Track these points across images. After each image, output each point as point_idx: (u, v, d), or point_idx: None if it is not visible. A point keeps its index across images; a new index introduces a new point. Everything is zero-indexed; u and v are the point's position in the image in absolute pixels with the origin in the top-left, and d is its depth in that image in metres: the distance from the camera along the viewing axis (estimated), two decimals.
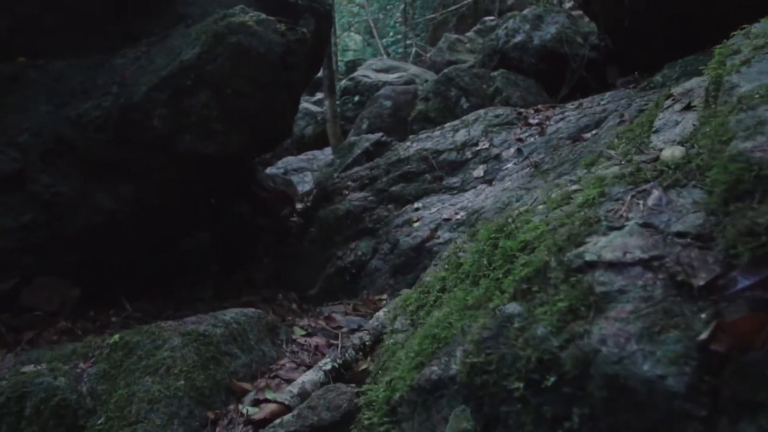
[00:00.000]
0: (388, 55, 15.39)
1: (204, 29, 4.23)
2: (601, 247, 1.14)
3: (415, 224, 4.02)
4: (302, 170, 8.07)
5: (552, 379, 0.99)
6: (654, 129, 2.16)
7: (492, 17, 12.14)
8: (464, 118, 5.07)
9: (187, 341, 2.48)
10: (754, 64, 1.54)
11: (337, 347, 2.73)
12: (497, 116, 4.81)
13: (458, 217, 3.80)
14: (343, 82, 9.84)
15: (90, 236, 4.03)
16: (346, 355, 2.62)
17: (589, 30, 7.15)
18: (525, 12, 7.55)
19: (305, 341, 2.90)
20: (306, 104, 9.88)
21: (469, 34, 11.54)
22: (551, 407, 1.00)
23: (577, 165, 3.59)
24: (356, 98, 9.44)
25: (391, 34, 16.95)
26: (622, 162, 1.54)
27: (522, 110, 4.94)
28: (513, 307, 1.23)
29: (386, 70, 10.18)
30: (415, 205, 4.31)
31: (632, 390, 0.90)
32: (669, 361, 0.89)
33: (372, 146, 6.39)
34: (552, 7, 8.70)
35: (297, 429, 1.99)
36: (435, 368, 1.31)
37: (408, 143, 5.09)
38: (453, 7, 15.38)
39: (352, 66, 15.27)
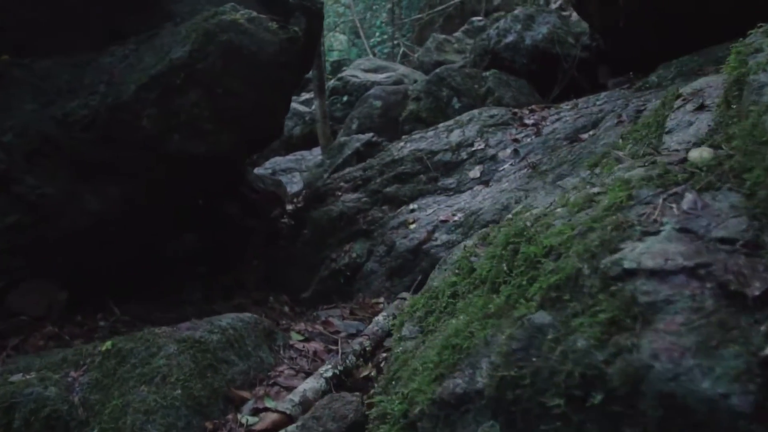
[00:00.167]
0: (374, 55, 15.32)
1: (194, 27, 4.14)
2: (639, 253, 1.08)
3: (412, 226, 3.96)
4: (291, 171, 7.98)
5: (599, 396, 0.93)
6: (666, 129, 2.12)
7: (479, 18, 12.11)
8: (458, 118, 5.01)
9: (183, 348, 2.39)
10: None
11: (337, 353, 2.66)
12: (492, 116, 4.76)
13: (456, 218, 3.74)
14: (332, 82, 9.75)
15: (77, 238, 3.93)
16: (347, 361, 2.55)
17: (580, 30, 7.13)
18: (516, 12, 7.52)
19: (303, 347, 2.82)
20: (294, 104, 9.77)
21: (457, 34, 11.50)
22: (596, 426, 0.94)
23: (576, 166, 3.55)
24: (345, 98, 9.36)
25: (377, 34, 16.88)
26: (647, 163, 1.48)
27: (517, 110, 4.89)
28: (542, 317, 1.17)
29: (375, 70, 10.11)
30: (411, 206, 4.24)
31: (691, 409, 0.84)
32: (731, 378, 0.83)
33: (363, 146, 6.31)
34: (541, 8, 8.67)
35: None
36: (459, 381, 1.24)
37: (401, 144, 5.03)
38: (440, 8, 15.35)
39: (338, 66, 15.19)
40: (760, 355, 0.84)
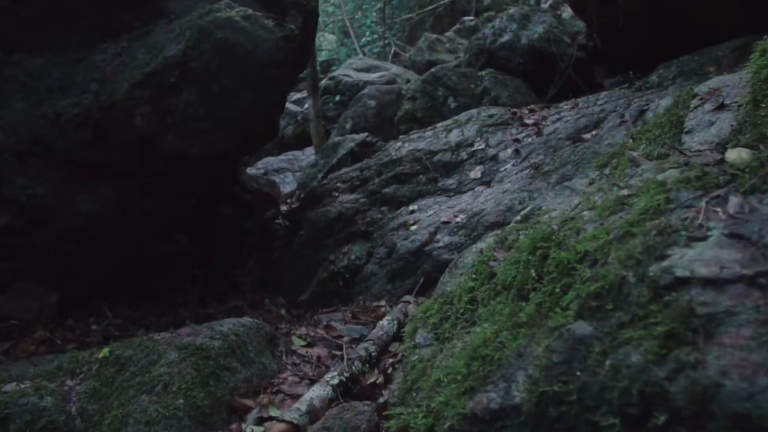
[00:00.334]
0: (364, 54, 15.24)
1: (188, 24, 4.06)
2: (690, 260, 1.02)
3: (412, 227, 3.88)
4: (283, 171, 7.88)
5: (662, 417, 0.86)
6: (686, 129, 2.06)
7: (471, 17, 12.08)
8: (456, 117, 4.94)
9: (185, 355, 2.31)
10: None
11: (342, 359, 2.59)
12: (491, 116, 4.70)
13: (458, 220, 3.67)
14: (324, 82, 9.65)
15: (69, 239, 3.84)
16: (353, 367, 2.48)
17: (576, 30, 7.09)
18: (512, 11, 7.47)
19: (306, 352, 2.75)
20: (285, 103, 9.68)
21: (449, 33, 11.45)
22: None
23: (580, 166, 3.50)
24: (337, 98, 9.27)
25: (367, 33, 16.80)
26: (682, 165, 1.42)
27: (516, 110, 4.83)
28: (583, 327, 1.11)
29: (367, 70, 10.03)
30: (410, 207, 4.16)
31: None
32: None
33: (357, 146, 6.23)
34: (534, 8, 8.64)
35: None
36: (493, 395, 1.17)
37: (399, 143, 4.95)
38: (430, 7, 15.31)
39: (327, 66, 15.11)
40: None
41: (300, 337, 2.95)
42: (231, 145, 4.39)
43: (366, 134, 6.43)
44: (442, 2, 15.06)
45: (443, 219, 3.75)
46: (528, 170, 3.83)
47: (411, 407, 1.50)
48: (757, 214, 1.11)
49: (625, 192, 1.49)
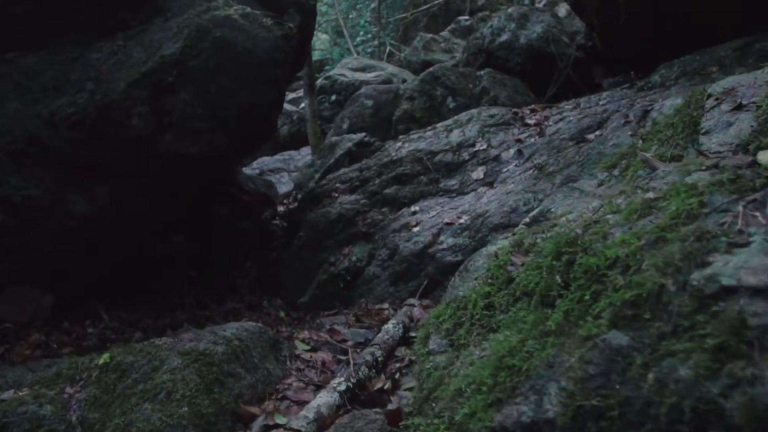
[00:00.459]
0: (358, 54, 15.18)
1: (186, 22, 4.00)
2: (735, 268, 0.97)
3: (415, 229, 3.83)
4: (279, 171, 7.81)
5: None
6: (702, 130, 2.02)
7: (466, 17, 12.04)
8: (457, 117, 4.89)
9: (188, 362, 2.25)
10: None
11: (348, 364, 2.53)
12: (492, 116, 4.65)
13: (461, 221, 3.62)
14: (319, 81, 9.58)
15: (64, 240, 3.77)
16: (360, 373, 2.42)
17: (575, 29, 7.06)
18: (510, 10, 7.43)
19: (311, 357, 2.69)
20: (284, 103, 9.62)
21: (444, 33, 11.41)
22: None
23: (585, 167, 3.46)
24: (333, 97, 9.21)
25: (361, 33, 16.73)
26: (711, 167, 1.37)
27: (517, 110, 4.79)
28: (619, 338, 1.06)
29: (363, 69, 9.97)
30: (412, 208, 4.11)
31: None
32: None
33: (355, 146, 6.17)
34: (529, 7, 8.60)
35: None
36: (523, 408, 1.12)
37: (399, 144, 4.89)
38: (424, 7, 15.28)
39: (320, 66, 15.04)
40: None
41: (303, 341, 2.89)
42: (230, 145, 4.33)
43: (363, 134, 6.37)
44: (436, 2, 15.03)
45: (446, 220, 3.70)
46: (531, 171, 3.78)
47: (430, 418, 1.45)
48: None
49: (651, 195, 1.44)
